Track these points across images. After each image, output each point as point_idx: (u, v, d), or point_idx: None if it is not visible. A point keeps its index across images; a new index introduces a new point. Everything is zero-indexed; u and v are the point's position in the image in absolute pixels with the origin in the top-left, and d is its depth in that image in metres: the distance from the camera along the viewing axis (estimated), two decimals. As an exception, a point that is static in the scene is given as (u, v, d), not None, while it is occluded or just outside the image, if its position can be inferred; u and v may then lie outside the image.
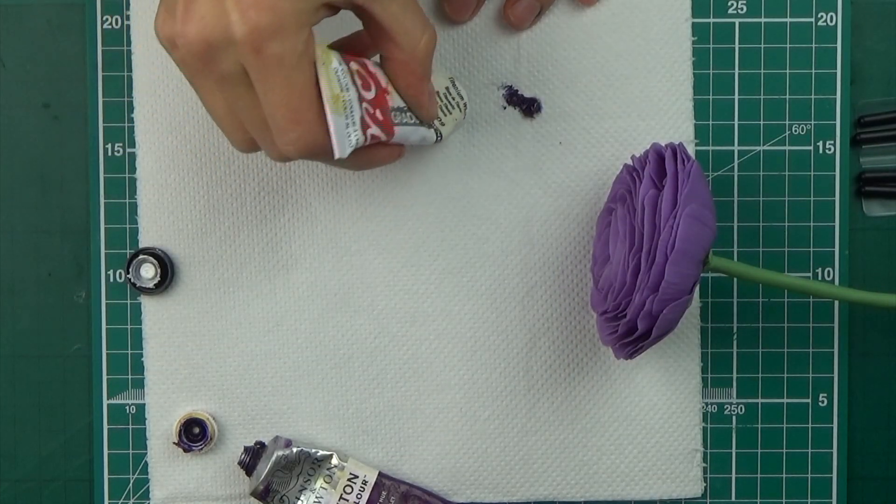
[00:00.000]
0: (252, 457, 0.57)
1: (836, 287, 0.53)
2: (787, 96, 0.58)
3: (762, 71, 0.58)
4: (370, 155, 0.49)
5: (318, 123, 0.45)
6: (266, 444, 0.57)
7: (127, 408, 0.59)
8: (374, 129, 0.47)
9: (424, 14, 0.47)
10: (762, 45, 0.58)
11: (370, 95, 0.47)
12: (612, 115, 0.58)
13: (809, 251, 0.58)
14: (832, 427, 0.59)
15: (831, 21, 0.58)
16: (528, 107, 0.58)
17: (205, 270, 0.58)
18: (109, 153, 0.59)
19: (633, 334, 0.50)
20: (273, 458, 0.56)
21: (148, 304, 0.58)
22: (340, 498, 0.57)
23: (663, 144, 0.52)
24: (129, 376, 0.59)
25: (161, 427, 0.59)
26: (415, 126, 0.50)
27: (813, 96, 0.58)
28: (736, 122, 0.58)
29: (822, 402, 0.59)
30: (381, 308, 0.58)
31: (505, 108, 0.58)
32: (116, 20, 0.58)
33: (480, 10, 0.57)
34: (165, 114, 0.58)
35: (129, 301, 0.59)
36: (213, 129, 0.58)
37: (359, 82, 0.46)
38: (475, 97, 0.58)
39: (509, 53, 0.58)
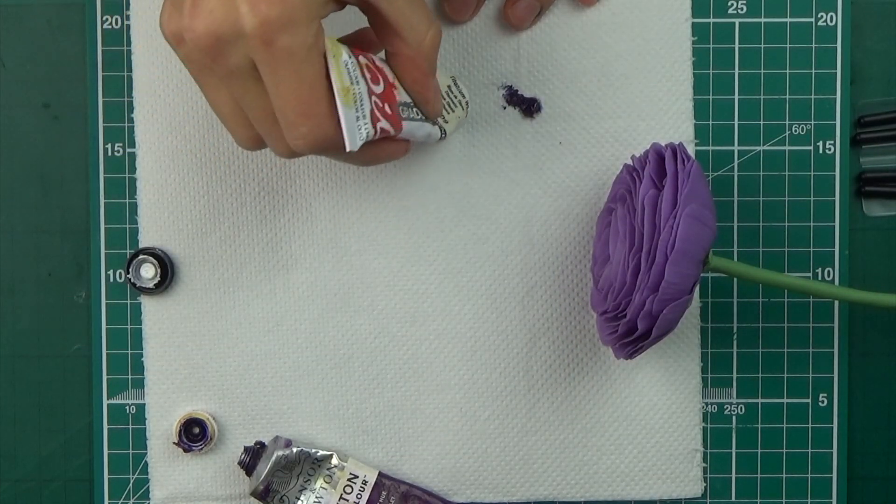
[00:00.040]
0: (252, 457, 0.57)
1: (836, 287, 0.53)
2: (787, 96, 0.58)
3: (762, 71, 0.58)
4: (378, 150, 0.49)
5: (328, 117, 0.45)
6: (266, 444, 0.57)
7: (127, 408, 0.59)
8: (383, 123, 0.47)
9: (429, 9, 0.47)
10: (762, 45, 0.58)
11: (379, 89, 0.47)
12: (612, 115, 0.58)
13: (809, 251, 0.58)
14: (832, 427, 0.59)
15: (831, 21, 0.58)
16: (528, 107, 0.58)
17: (205, 270, 0.58)
18: (109, 153, 0.59)
19: (633, 334, 0.50)
20: (273, 458, 0.56)
21: (148, 304, 0.58)
22: (340, 498, 0.57)
23: (663, 144, 0.52)
24: (129, 376, 0.59)
25: (161, 427, 0.59)
26: (421, 122, 0.51)
27: (813, 96, 0.58)
28: (736, 122, 0.58)
29: (822, 402, 0.59)
30: (381, 308, 0.58)
31: (505, 108, 0.58)
32: (116, 20, 0.58)
33: (480, 10, 0.57)
34: (165, 114, 0.58)
35: (129, 301, 0.59)
36: (213, 129, 0.58)
37: (368, 76, 0.46)
38: (475, 97, 0.58)
39: (509, 53, 0.58)
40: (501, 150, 0.58)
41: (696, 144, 0.58)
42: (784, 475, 0.59)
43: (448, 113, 0.54)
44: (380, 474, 0.58)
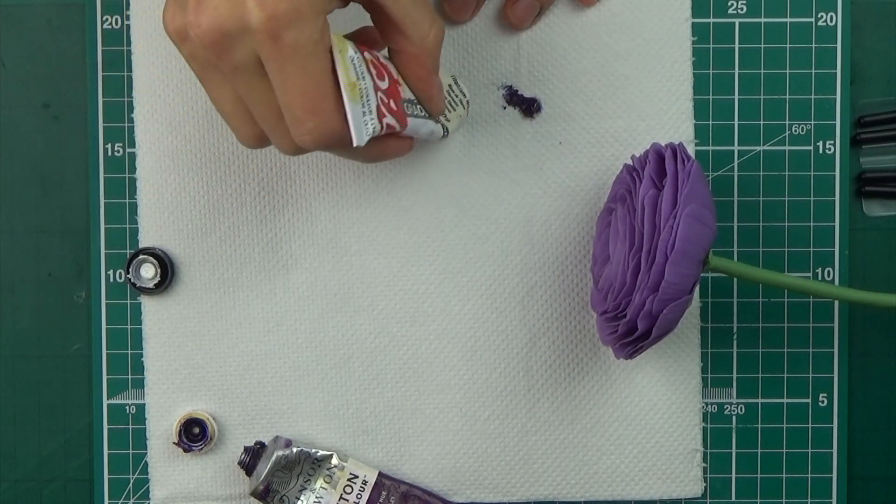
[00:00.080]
0: (252, 457, 0.57)
1: (836, 287, 0.53)
2: (787, 96, 0.58)
3: (762, 71, 0.58)
4: (383, 146, 0.49)
5: (335, 112, 0.45)
6: (266, 444, 0.57)
7: (127, 408, 0.59)
8: (389, 119, 0.47)
9: (432, 6, 0.47)
10: (762, 45, 0.58)
11: (384, 85, 0.47)
12: (612, 115, 0.58)
13: (809, 251, 0.58)
14: (832, 427, 0.59)
15: (831, 21, 0.58)
16: (528, 107, 0.58)
17: (205, 270, 0.58)
18: (109, 153, 0.59)
19: (633, 334, 0.50)
20: (273, 458, 0.56)
21: (148, 304, 0.58)
22: (340, 498, 0.57)
23: (663, 144, 0.52)
24: (129, 376, 0.59)
25: (161, 427, 0.59)
26: (424, 119, 0.51)
27: (813, 96, 0.58)
28: (736, 122, 0.58)
29: (822, 402, 0.59)
30: (381, 308, 0.58)
31: (505, 108, 0.58)
32: (116, 20, 0.58)
33: (480, 10, 0.57)
34: (165, 114, 0.58)
35: (129, 301, 0.59)
36: (213, 129, 0.58)
37: (373, 71, 0.46)
38: (475, 97, 0.58)
39: (509, 53, 0.58)
40: (501, 150, 0.58)
41: (696, 144, 0.58)
42: (784, 475, 0.59)
43: (450, 111, 0.54)
44: (380, 474, 0.58)
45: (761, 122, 0.58)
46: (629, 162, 0.54)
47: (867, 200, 0.59)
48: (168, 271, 0.57)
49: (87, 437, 0.60)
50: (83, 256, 0.59)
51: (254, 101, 0.45)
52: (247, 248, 0.58)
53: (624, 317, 0.50)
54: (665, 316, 0.49)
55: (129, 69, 0.58)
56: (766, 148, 0.58)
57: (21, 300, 0.59)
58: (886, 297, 0.52)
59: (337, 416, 0.59)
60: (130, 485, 0.59)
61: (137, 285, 0.58)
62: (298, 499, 0.57)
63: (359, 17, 0.48)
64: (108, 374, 0.59)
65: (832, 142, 0.58)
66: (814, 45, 0.58)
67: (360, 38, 0.49)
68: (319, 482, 0.57)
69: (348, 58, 0.45)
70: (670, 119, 0.58)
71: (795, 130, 0.58)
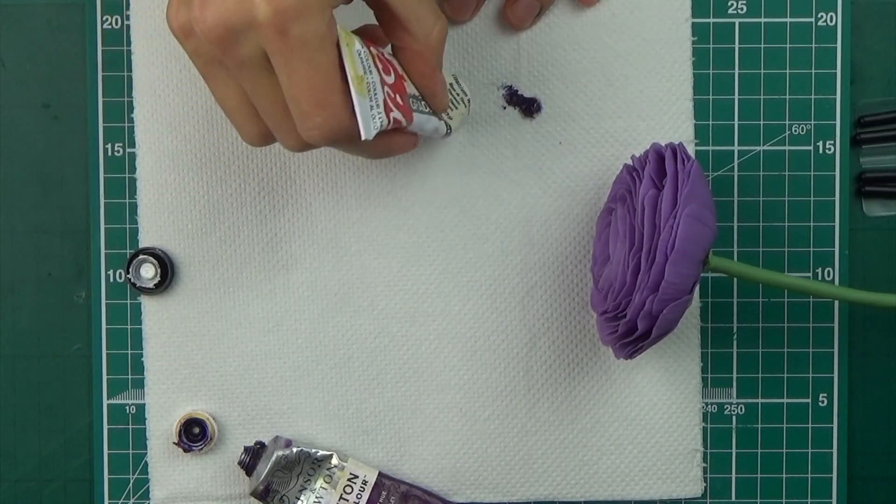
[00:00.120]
0: (252, 457, 0.57)
1: (836, 287, 0.53)
2: (787, 96, 0.58)
3: (762, 71, 0.58)
4: (390, 141, 0.49)
5: (342, 106, 0.45)
6: (266, 444, 0.57)
7: (127, 408, 0.59)
8: (396, 113, 0.47)
9: (435, 3, 0.47)
10: (762, 45, 0.58)
11: (391, 80, 0.47)
12: (612, 115, 0.58)
13: (809, 251, 0.58)
14: (832, 427, 0.59)
15: (831, 21, 0.58)
16: (528, 107, 0.58)
17: (205, 270, 0.58)
18: (109, 153, 0.59)
19: (633, 334, 0.50)
20: (273, 458, 0.56)
21: (148, 304, 0.58)
22: (340, 498, 0.57)
23: (663, 144, 0.52)
24: (129, 376, 0.59)
25: (161, 427, 0.59)
26: (429, 115, 0.51)
27: (813, 96, 0.58)
28: (736, 122, 0.58)
29: (822, 402, 0.59)
30: (381, 308, 0.58)
31: (505, 108, 0.58)
32: (116, 20, 0.58)
33: (480, 10, 0.57)
34: (165, 114, 0.58)
35: (129, 301, 0.59)
36: (213, 129, 0.58)
37: (380, 66, 0.46)
38: (475, 97, 0.58)
39: (509, 53, 0.58)
40: (501, 150, 0.58)
41: (696, 144, 0.58)
42: (784, 475, 0.59)
43: (452, 109, 0.54)
44: (380, 474, 0.58)
45: (761, 122, 0.58)
46: (629, 162, 0.54)
47: (867, 200, 0.59)
48: (168, 271, 0.57)
49: (87, 437, 0.60)
50: (83, 256, 0.59)
51: (259, 96, 0.45)
52: (247, 248, 0.58)
53: (624, 317, 0.50)
54: (665, 316, 0.49)
55: (129, 69, 0.58)
56: (766, 148, 0.58)
57: (21, 300, 0.59)
58: (886, 297, 0.52)
59: (337, 416, 0.59)
60: (130, 485, 0.59)
61: (137, 285, 0.58)
62: (298, 499, 0.57)
63: (363, 14, 0.48)
64: (108, 374, 0.59)
65: (832, 142, 0.58)
66: (814, 45, 0.58)
67: (363, 35, 0.49)
68: (319, 482, 0.57)
69: (355, 51, 0.45)
70: (670, 119, 0.58)
71: (795, 130, 0.58)
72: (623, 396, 0.58)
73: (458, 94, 0.55)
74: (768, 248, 0.58)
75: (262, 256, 0.58)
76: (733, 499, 0.59)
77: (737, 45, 0.58)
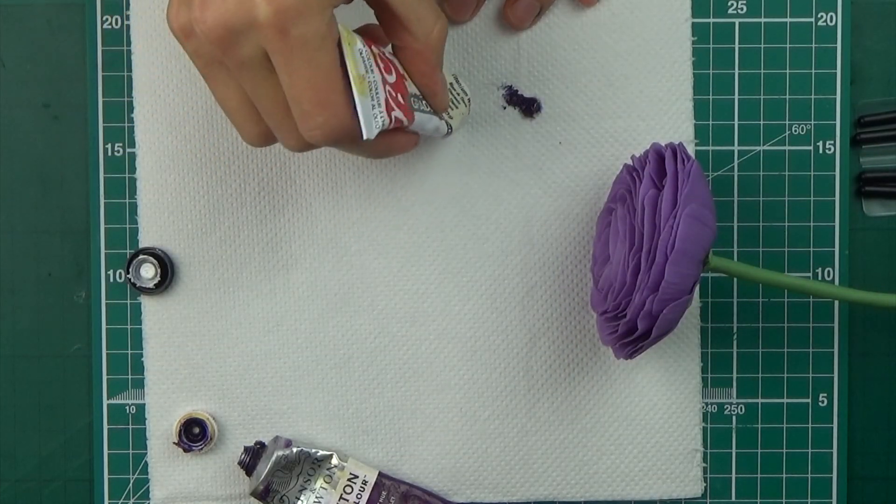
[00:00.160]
0: (252, 457, 0.57)
1: (836, 287, 0.53)
2: (787, 96, 0.58)
3: (762, 71, 0.58)
4: (391, 141, 0.49)
5: (344, 106, 0.44)
6: (266, 444, 0.57)
7: (127, 408, 0.59)
8: (397, 112, 0.47)
9: (436, 3, 0.47)
10: (762, 45, 0.58)
11: (392, 79, 0.47)
12: (612, 115, 0.58)
13: (809, 251, 0.58)
14: (832, 427, 0.59)
15: (831, 21, 0.58)
16: (528, 107, 0.58)
17: (205, 270, 0.58)
18: (109, 153, 0.59)
19: (633, 334, 0.50)
20: (273, 458, 0.56)
21: (148, 304, 0.58)
22: (340, 498, 0.57)
23: (663, 144, 0.52)
24: (129, 376, 0.59)
25: (161, 427, 0.59)
26: (430, 114, 0.51)
27: (813, 96, 0.58)
28: (736, 122, 0.58)
29: (822, 402, 0.59)
30: (381, 308, 0.58)
31: (505, 108, 0.58)
32: (116, 20, 0.58)
33: (480, 10, 0.57)
34: (165, 114, 0.58)
35: (129, 301, 0.59)
36: (213, 129, 0.58)
37: (381, 65, 0.46)
38: (475, 97, 0.58)
39: (509, 53, 0.58)
40: (501, 150, 0.58)
41: (696, 144, 0.58)
42: (784, 475, 0.59)
43: (452, 109, 0.54)
44: (380, 474, 0.58)
45: (761, 122, 0.58)
46: (629, 162, 0.54)
47: (867, 200, 0.59)
48: (168, 271, 0.58)
49: (87, 437, 0.60)
50: (83, 256, 0.59)
51: (260, 96, 0.45)
52: (247, 248, 0.58)
53: (624, 317, 0.50)
54: (665, 316, 0.49)
55: (129, 69, 0.58)
56: (766, 148, 0.58)
57: (21, 300, 0.59)
58: (886, 297, 0.52)
59: (337, 416, 0.59)
60: (130, 485, 0.59)
61: (137, 285, 0.58)
62: (298, 499, 0.57)
63: (364, 14, 0.48)
64: (108, 374, 0.59)
65: (832, 142, 0.58)
66: (814, 45, 0.58)
67: (364, 35, 0.49)
68: (319, 482, 0.57)
69: (356, 51, 0.45)
70: (670, 119, 0.58)
71: (795, 130, 0.58)
72: (623, 396, 0.58)
73: (458, 94, 0.55)
74: (768, 248, 0.58)
75: (262, 256, 0.58)
76: (733, 499, 0.59)
77: (737, 45, 0.58)
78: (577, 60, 0.58)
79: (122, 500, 0.59)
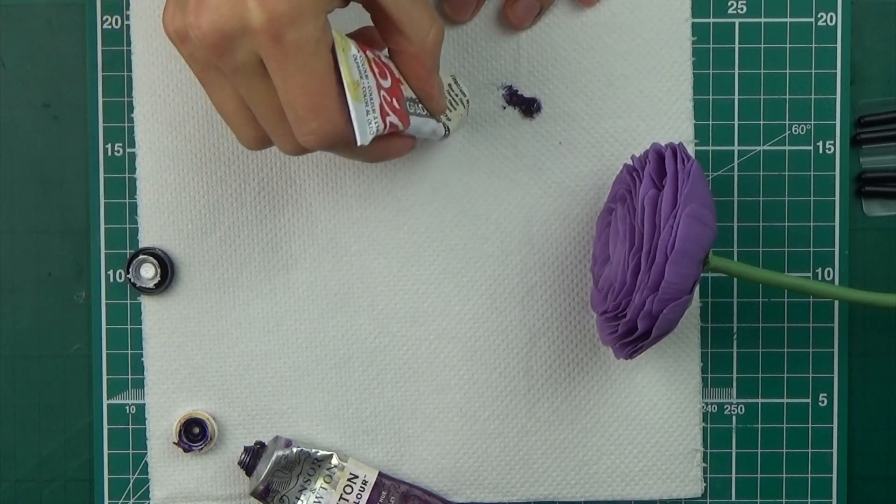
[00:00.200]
0: (252, 457, 0.57)
1: (836, 287, 0.53)
2: (787, 96, 0.58)
3: (762, 71, 0.58)
4: (386, 145, 0.49)
5: (338, 111, 0.45)
6: (266, 444, 0.57)
7: (127, 408, 0.59)
8: (392, 118, 0.47)
9: (432, 6, 0.47)
10: (762, 45, 0.58)
11: (387, 84, 0.47)
12: (612, 115, 0.58)
13: (809, 251, 0.58)
14: (832, 427, 0.59)
15: (831, 21, 0.58)
16: (528, 107, 0.58)
17: (205, 270, 0.58)
18: (109, 153, 0.59)
19: (633, 334, 0.50)
20: (273, 458, 0.56)
21: (148, 304, 0.58)
22: (340, 498, 0.57)
23: (663, 144, 0.52)
24: (129, 376, 0.59)
25: (161, 427, 0.59)
26: (426, 118, 0.51)
27: (813, 96, 0.58)
28: (736, 122, 0.58)
29: (822, 402, 0.59)
30: (381, 308, 0.58)
31: (505, 108, 0.58)
32: (116, 20, 0.58)
33: (480, 10, 0.57)
34: (165, 114, 0.58)
35: (129, 301, 0.59)
36: (213, 129, 0.58)
37: (376, 70, 0.46)
38: (475, 97, 0.58)
39: (509, 53, 0.58)
40: (501, 150, 0.58)
41: (696, 144, 0.58)
42: (784, 475, 0.59)
43: (450, 111, 0.54)
44: (380, 474, 0.58)
45: (761, 122, 0.58)
46: (629, 162, 0.54)
47: (867, 200, 0.59)
48: (168, 271, 0.58)
49: (87, 437, 0.60)
50: (83, 256, 0.59)
51: (255, 101, 0.45)
52: (247, 248, 0.58)
53: (624, 317, 0.50)
54: (665, 316, 0.49)
55: (129, 69, 0.58)
56: (766, 148, 0.58)
57: (21, 300, 0.59)
58: (886, 297, 0.52)
59: (337, 416, 0.59)
60: (130, 485, 0.59)
61: (137, 285, 0.58)
62: (298, 499, 0.57)
63: (359, 17, 0.48)
64: (108, 374, 0.59)
65: (832, 142, 0.58)
66: (814, 45, 0.58)
67: (360, 38, 0.49)
68: (319, 482, 0.57)
69: (350, 56, 0.45)
70: (670, 119, 0.58)
71: (795, 130, 0.58)
72: (623, 396, 0.58)
73: (456, 95, 0.55)
74: (768, 248, 0.58)
75: (262, 256, 0.58)
76: (733, 499, 0.59)
77: (737, 45, 0.58)
78: (577, 60, 0.58)
79: (122, 500, 0.59)
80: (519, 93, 0.58)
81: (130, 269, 0.58)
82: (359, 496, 0.57)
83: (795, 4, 0.58)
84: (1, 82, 0.59)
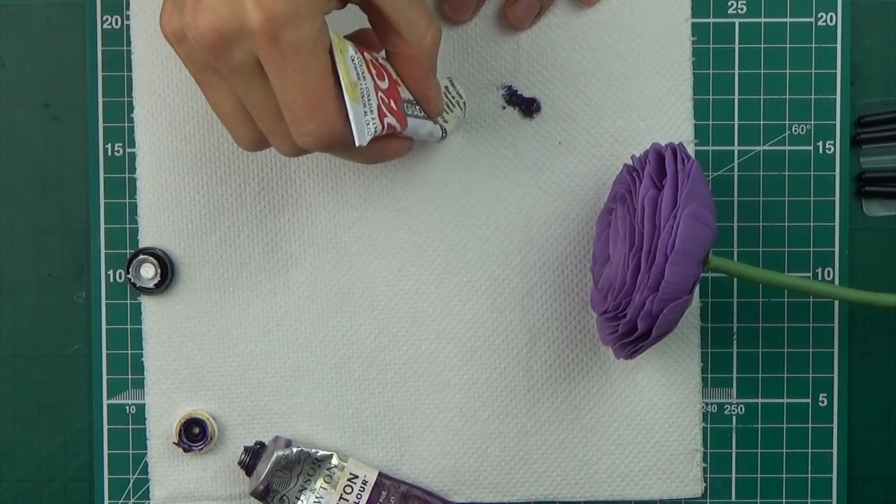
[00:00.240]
0: (252, 457, 0.57)
1: (836, 287, 0.53)
2: (787, 96, 0.58)
3: (762, 71, 0.58)
4: (383, 147, 0.49)
5: (336, 112, 0.45)
6: (266, 444, 0.57)
7: (127, 408, 0.59)
8: (389, 119, 0.47)
9: (429, 8, 0.47)
10: (762, 45, 0.58)
11: (384, 85, 0.47)
12: (612, 115, 0.58)
13: (809, 251, 0.58)
14: (832, 427, 0.59)
15: (831, 21, 0.58)
16: (528, 107, 0.58)
17: (205, 270, 0.58)
18: (109, 153, 0.59)
19: (633, 334, 0.50)
20: (273, 458, 0.56)
21: (148, 304, 0.58)
22: (340, 498, 0.57)
23: (663, 144, 0.52)
24: (129, 376, 0.59)
25: (161, 427, 0.59)
26: (423, 119, 0.51)
27: (813, 96, 0.58)
28: (736, 122, 0.58)
29: (822, 402, 0.59)
30: (381, 308, 0.58)
31: (504, 108, 0.58)
32: (116, 20, 0.58)
33: (480, 10, 0.57)
34: (165, 114, 0.58)
35: (129, 301, 0.59)
36: (213, 129, 0.58)
37: (373, 71, 0.46)
38: (475, 97, 0.58)
39: (509, 53, 0.58)
40: (501, 150, 0.58)
41: (696, 144, 0.58)
42: (784, 475, 0.59)
43: (447, 113, 0.54)
44: (380, 474, 0.58)
45: (761, 122, 0.58)
46: (629, 162, 0.54)
47: (867, 200, 0.59)
48: (168, 271, 0.58)
49: (87, 437, 0.60)
50: (83, 256, 0.59)
51: (253, 102, 0.45)
52: (247, 248, 0.58)
53: (624, 317, 0.50)
54: (665, 316, 0.49)
55: (129, 69, 0.58)
56: (766, 148, 0.58)
57: (21, 300, 0.59)
58: (886, 297, 0.52)
59: (337, 416, 0.59)
60: (130, 485, 0.59)
61: (137, 285, 0.58)
62: (298, 499, 0.57)
63: (357, 19, 0.48)
64: (108, 374, 0.59)
65: (832, 142, 0.58)
66: (814, 45, 0.58)
67: (357, 40, 0.49)
68: (319, 482, 0.57)
69: (348, 57, 0.45)
70: (670, 119, 0.58)
71: (795, 130, 0.58)
72: (623, 396, 0.58)
73: (453, 97, 0.55)
74: (768, 248, 0.58)
75: (262, 256, 0.58)
76: (733, 499, 0.59)
77: (737, 45, 0.58)
78: (577, 60, 0.58)
79: (122, 500, 0.59)
80: (518, 93, 0.58)
81: (130, 269, 0.58)
82: (359, 496, 0.57)
83: (795, 4, 0.58)
84: (1, 82, 0.59)
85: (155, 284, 0.57)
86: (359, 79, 0.45)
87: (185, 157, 0.58)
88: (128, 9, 0.58)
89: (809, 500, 0.59)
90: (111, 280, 0.59)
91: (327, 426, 0.59)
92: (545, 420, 0.59)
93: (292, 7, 0.42)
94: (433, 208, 0.58)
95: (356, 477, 0.57)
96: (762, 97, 0.58)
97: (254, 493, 0.57)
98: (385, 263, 0.58)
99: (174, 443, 0.58)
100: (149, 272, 0.57)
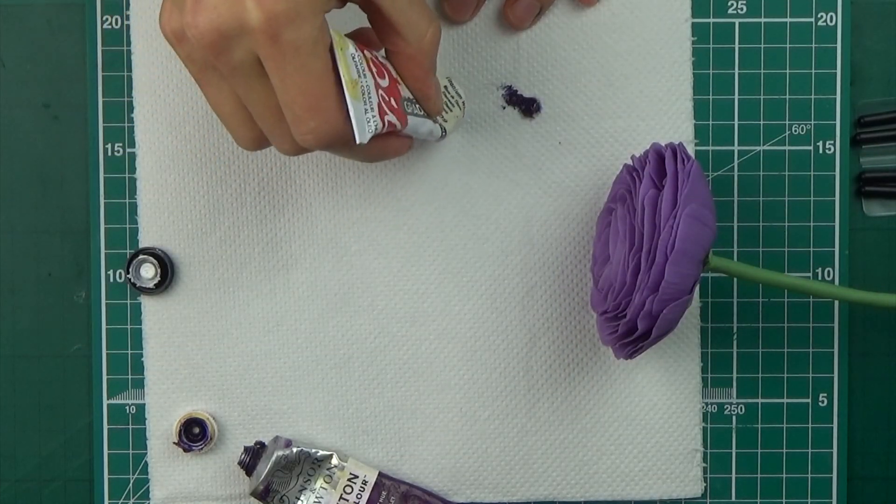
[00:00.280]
0: (252, 457, 0.57)
1: (836, 287, 0.53)
2: (787, 96, 0.58)
3: (762, 71, 0.58)
4: (384, 145, 0.49)
5: (336, 111, 0.45)
6: (266, 444, 0.57)
7: (127, 408, 0.59)
8: (390, 117, 0.47)
9: (429, 7, 0.47)
10: (762, 45, 0.58)
11: (385, 83, 0.47)
12: (612, 115, 0.58)
13: (809, 251, 0.58)
14: (832, 427, 0.59)
15: (831, 21, 0.58)
16: (528, 107, 0.58)
17: (205, 270, 0.58)
18: (109, 153, 0.59)
19: (633, 334, 0.50)
20: (273, 458, 0.56)
21: (148, 304, 0.58)
22: (340, 498, 0.57)
23: (663, 144, 0.52)
24: (129, 376, 0.59)
25: (161, 427, 0.59)
26: (423, 118, 0.51)
27: (813, 96, 0.58)
28: (736, 122, 0.58)
29: (822, 402, 0.59)
30: (381, 308, 0.58)
31: (504, 108, 0.58)
32: (116, 20, 0.58)
33: (480, 10, 0.57)
34: (165, 114, 0.58)
35: (129, 301, 0.59)
36: (213, 129, 0.58)
37: (374, 70, 0.46)
38: (475, 97, 0.58)
39: (509, 53, 0.58)
40: (501, 150, 0.58)
41: (696, 144, 0.58)
42: (784, 475, 0.59)
43: (446, 112, 0.54)
44: (380, 474, 0.58)
45: (761, 122, 0.58)
46: (629, 162, 0.54)
47: (867, 200, 0.59)
48: (168, 271, 0.58)
49: (87, 437, 0.60)
50: (83, 256, 0.59)
51: (253, 101, 0.45)
52: (247, 248, 0.58)
53: (624, 317, 0.50)
54: (665, 316, 0.49)
55: (129, 69, 0.58)
56: (766, 148, 0.58)
57: (21, 300, 0.59)
58: (886, 297, 0.52)
59: (337, 416, 0.59)
60: (130, 485, 0.59)
61: (137, 285, 0.58)
62: (298, 499, 0.57)
63: (356, 18, 0.48)
64: (108, 374, 0.59)
65: (832, 142, 0.58)
66: (814, 45, 0.58)
67: (357, 39, 0.49)
68: (319, 482, 0.57)
69: (349, 55, 0.45)
70: (670, 119, 0.58)
71: (795, 130, 0.58)
72: (623, 396, 0.58)
73: (452, 97, 0.55)
74: (768, 248, 0.58)
75: (262, 256, 0.58)
76: (733, 499, 0.59)
77: (737, 45, 0.58)
78: (577, 60, 0.58)
79: (122, 500, 0.59)
80: (518, 93, 0.58)
81: (130, 269, 0.58)
82: (359, 496, 0.57)
83: (795, 4, 0.58)
84: (1, 82, 0.59)
85: (155, 284, 0.57)
86: (359, 76, 0.45)
87: (185, 157, 0.58)
88: (128, 9, 0.58)
89: (809, 500, 0.59)
90: (111, 280, 0.59)
91: (327, 426, 0.59)
92: (545, 420, 0.59)
93: (292, 6, 0.42)
94: (433, 208, 0.58)
95: (356, 477, 0.57)
96: (762, 97, 0.58)
97: (254, 493, 0.57)
98: (385, 263, 0.58)
99: (174, 443, 0.58)
100: (149, 272, 0.57)
